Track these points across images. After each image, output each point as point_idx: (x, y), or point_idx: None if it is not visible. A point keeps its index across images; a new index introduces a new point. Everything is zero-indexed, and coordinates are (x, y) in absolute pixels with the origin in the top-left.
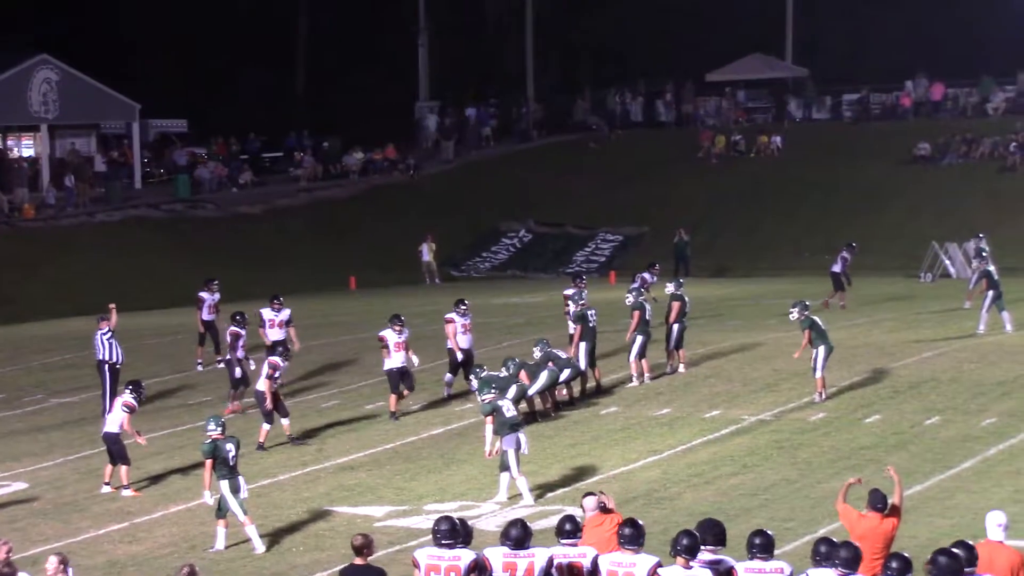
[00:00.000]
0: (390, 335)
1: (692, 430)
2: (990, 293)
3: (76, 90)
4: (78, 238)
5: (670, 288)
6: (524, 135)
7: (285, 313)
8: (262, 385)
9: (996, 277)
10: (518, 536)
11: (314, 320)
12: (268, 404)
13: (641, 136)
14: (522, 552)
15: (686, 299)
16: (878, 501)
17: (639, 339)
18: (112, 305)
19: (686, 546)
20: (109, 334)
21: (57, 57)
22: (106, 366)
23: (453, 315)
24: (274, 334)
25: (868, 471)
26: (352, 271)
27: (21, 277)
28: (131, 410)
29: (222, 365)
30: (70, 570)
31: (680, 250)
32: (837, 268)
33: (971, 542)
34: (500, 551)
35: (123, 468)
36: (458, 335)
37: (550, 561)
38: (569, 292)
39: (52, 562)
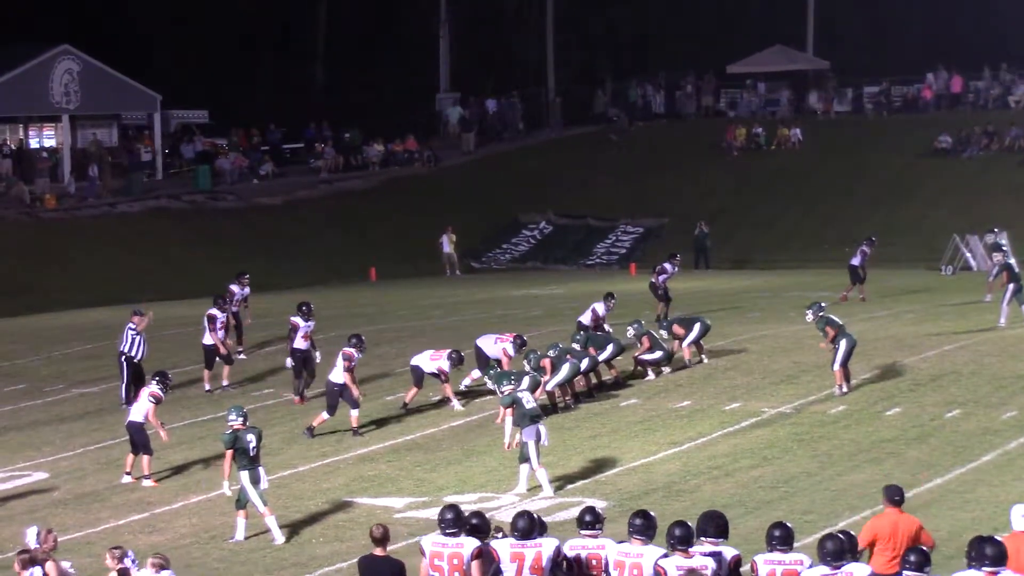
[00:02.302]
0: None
1: (712, 422)
2: (1011, 286)
3: (97, 81)
4: (99, 229)
5: (630, 332)
6: (544, 127)
7: (223, 316)
8: (340, 377)
9: (1017, 270)
10: (525, 527)
11: (334, 311)
12: (356, 393)
13: (662, 128)
14: (529, 543)
15: (653, 332)
16: (895, 494)
17: None
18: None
19: (679, 537)
20: (135, 331)
21: (78, 48)
22: (123, 357)
23: (509, 345)
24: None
25: (888, 464)
26: (373, 263)
27: (42, 267)
28: (157, 401)
29: (243, 356)
30: (127, 559)
31: (700, 242)
32: (856, 261)
33: (999, 537)
34: (507, 542)
35: (145, 458)
36: (493, 343)
37: (557, 551)
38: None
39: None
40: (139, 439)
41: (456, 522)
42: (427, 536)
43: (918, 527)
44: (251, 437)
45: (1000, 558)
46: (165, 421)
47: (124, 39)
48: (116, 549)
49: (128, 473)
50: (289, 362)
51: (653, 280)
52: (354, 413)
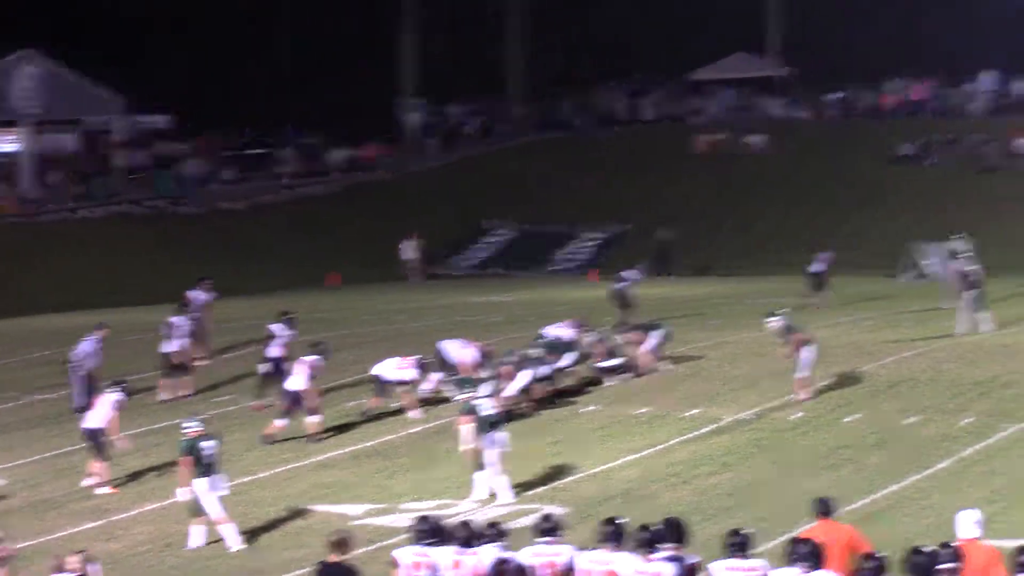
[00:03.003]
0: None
1: (671, 429)
2: (969, 293)
3: (59, 85)
4: (60, 234)
5: (588, 339)
6: (508, 133)
7: (186, 323)
8: (296, 384)
9: (975, 277)
10: (465, 537)
11: (296, 317)
12: (314, 402)
13: (625, 134)
14: (469, 551)
15: (609, 340)
16: (822, 506)
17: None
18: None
19: (643, 540)
20: (96, 344)
21: (40, 52)
22: (74, 364)
23: (472, 352)
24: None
25: (846, 470)
26: (335, 268)
27: (2, 272)
28: (121, 407)
29: (204, 363)
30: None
31: (663, 249)
32: (816, 268)
33: (952, 543)
34: (449, 550)
35: (103, 464)
36: (459, 348)
37: (498, 560)
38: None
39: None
40: (99, 444)
41: (433, 532)
42: (401, 548)
43: (849, 535)
44: (209, 444)
45: (925, 569)
46: (123, 428)
47: (86, 44)
48: (78, 553)
49: (91, 475)
50: (262, 368)
51: (615, 287)
52: (312, 420)
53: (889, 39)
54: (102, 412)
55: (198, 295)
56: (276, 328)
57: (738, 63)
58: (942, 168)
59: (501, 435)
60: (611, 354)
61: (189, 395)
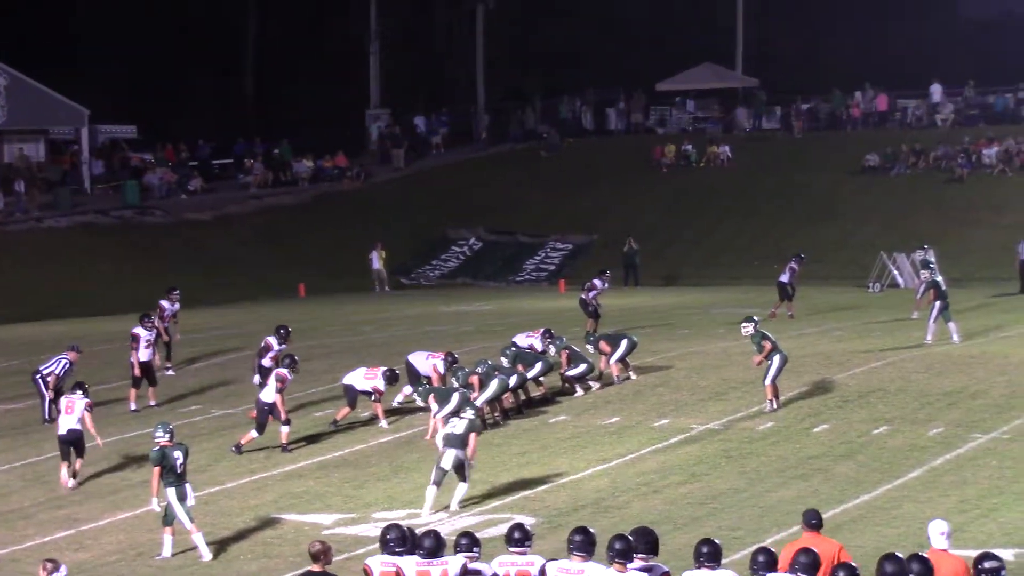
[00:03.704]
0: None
1: (641, 439)
2: (937, 304)
3: (25, 95)
4: (26, 244)
5: (552, 349)
6: (474, 143)
7: (149, 334)
8: (270, 396)
9: (944, 288)
10: (431, 546)
11: (263, 327)
12: (283, 415)
13: (592, 145)
14: (435, 561)
15: (573, 347)
16: (812, 518)
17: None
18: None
19: (619, 550)
20: (69, 365)
21: (5, 61)
22: (38, 376)
23: (439, 362)
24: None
25: (816, 480)
26: (301, 278)
27: None
28: (91, 408)
29: (171, 373)
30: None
31: (630, 259)
32: (785, 278)
33: (923, 553)
34: (412, 560)
35: (79, 461)
36: (424, 359)
37: (464, 568)
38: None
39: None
40: (80, 445)
41: (403, 540)
42: (373, 556)
43: (838, 550)
44: (178, 454)
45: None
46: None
47: (52, 53)
48: (49, 562)
49: (74, 476)
50: (256, 379)
51: (583, 296)
52: (284, 430)
53: (855, 51)
54: (78, 416)
55: (165, 305)
56: (272, 340)
57: (704, 74)
58: (908, 178)
59: (451, 452)
60: (579, 363)
61: (154, 405)
